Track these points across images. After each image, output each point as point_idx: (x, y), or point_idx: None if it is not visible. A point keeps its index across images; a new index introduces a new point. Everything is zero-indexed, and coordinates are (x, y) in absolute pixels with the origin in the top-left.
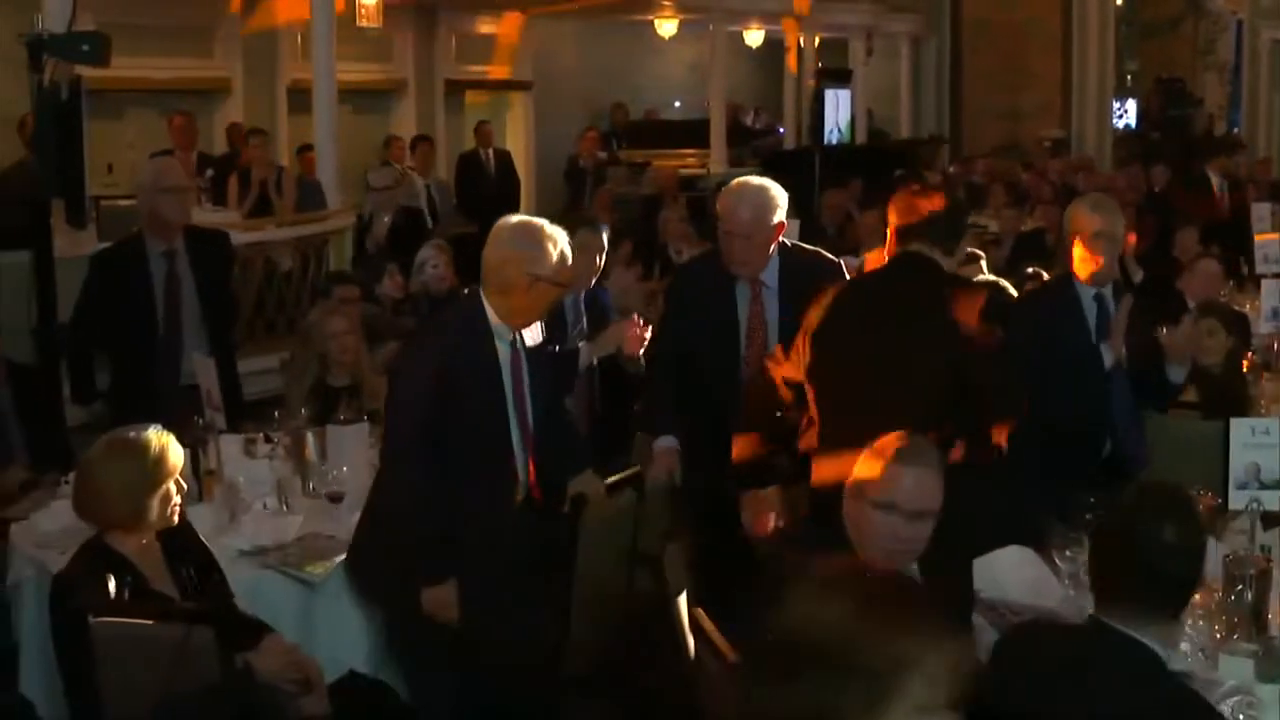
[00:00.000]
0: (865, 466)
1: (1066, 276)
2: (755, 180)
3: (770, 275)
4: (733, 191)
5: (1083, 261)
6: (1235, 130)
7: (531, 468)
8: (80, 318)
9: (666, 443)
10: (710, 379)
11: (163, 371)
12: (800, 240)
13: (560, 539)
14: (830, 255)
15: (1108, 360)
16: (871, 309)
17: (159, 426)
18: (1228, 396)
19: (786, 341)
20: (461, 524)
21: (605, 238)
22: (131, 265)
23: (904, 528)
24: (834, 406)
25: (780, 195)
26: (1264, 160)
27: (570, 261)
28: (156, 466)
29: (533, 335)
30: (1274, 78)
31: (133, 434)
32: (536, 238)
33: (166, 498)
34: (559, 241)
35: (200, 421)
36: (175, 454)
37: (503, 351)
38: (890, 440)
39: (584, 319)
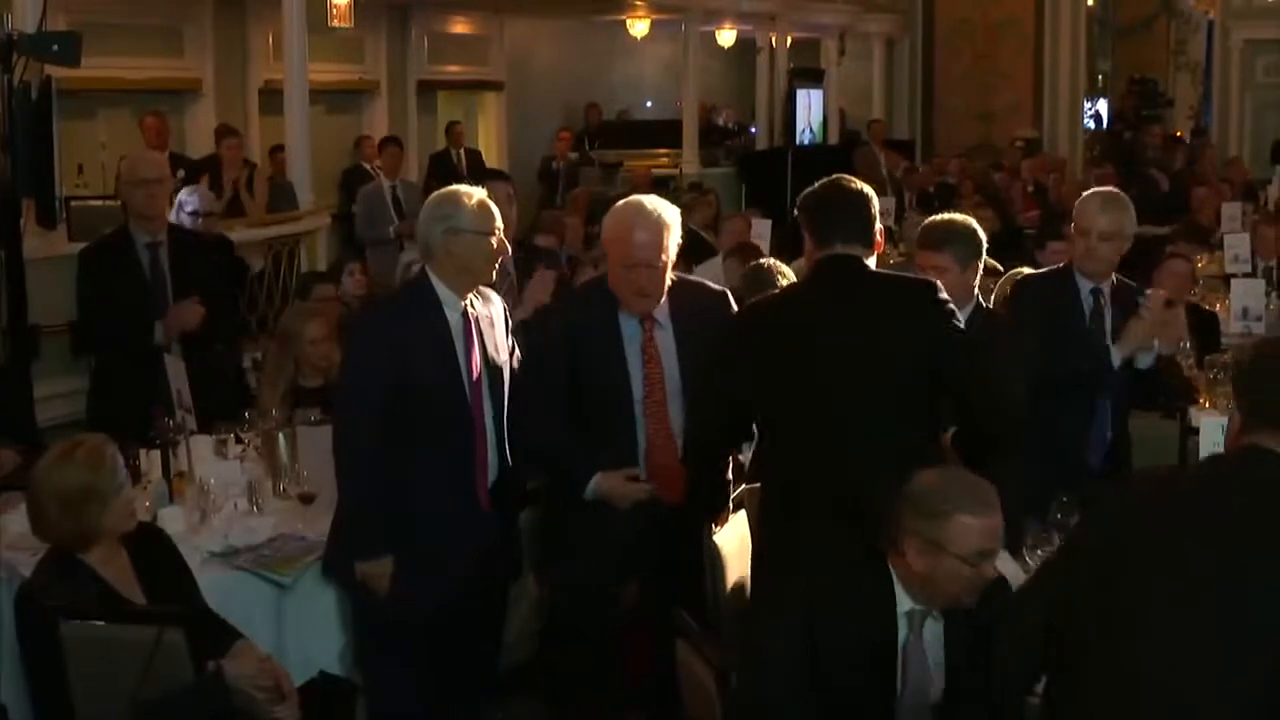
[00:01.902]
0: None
1: (1066, 268)
2: (649, 200)
3: (662, 311)
4: (628, 214)
5: (1084, 257)
6: (1206, 128)
7: (485, 453)
8: (84, 316)
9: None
10: (595, 432)
11: (140, 366)
12: (773, 240)
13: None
14: (714, 286)
15: (1116, 359)
16: (818, 316)
17: (104, 436)
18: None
19: (685, 376)
20: (415, 503)
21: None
22: (118, 256)
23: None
24: (801, 423)
25: (676, 214)
26: (1234, 160)
27: (492, 211)
28: (97, 482)
29: (486, 306)
30: (1245, 78)
31: (74, 450)
32: (448, 195)
33: (120, 509)
34: (474, 195)
35: (171, 422)
36: (115, 464)
37: (453, 321)
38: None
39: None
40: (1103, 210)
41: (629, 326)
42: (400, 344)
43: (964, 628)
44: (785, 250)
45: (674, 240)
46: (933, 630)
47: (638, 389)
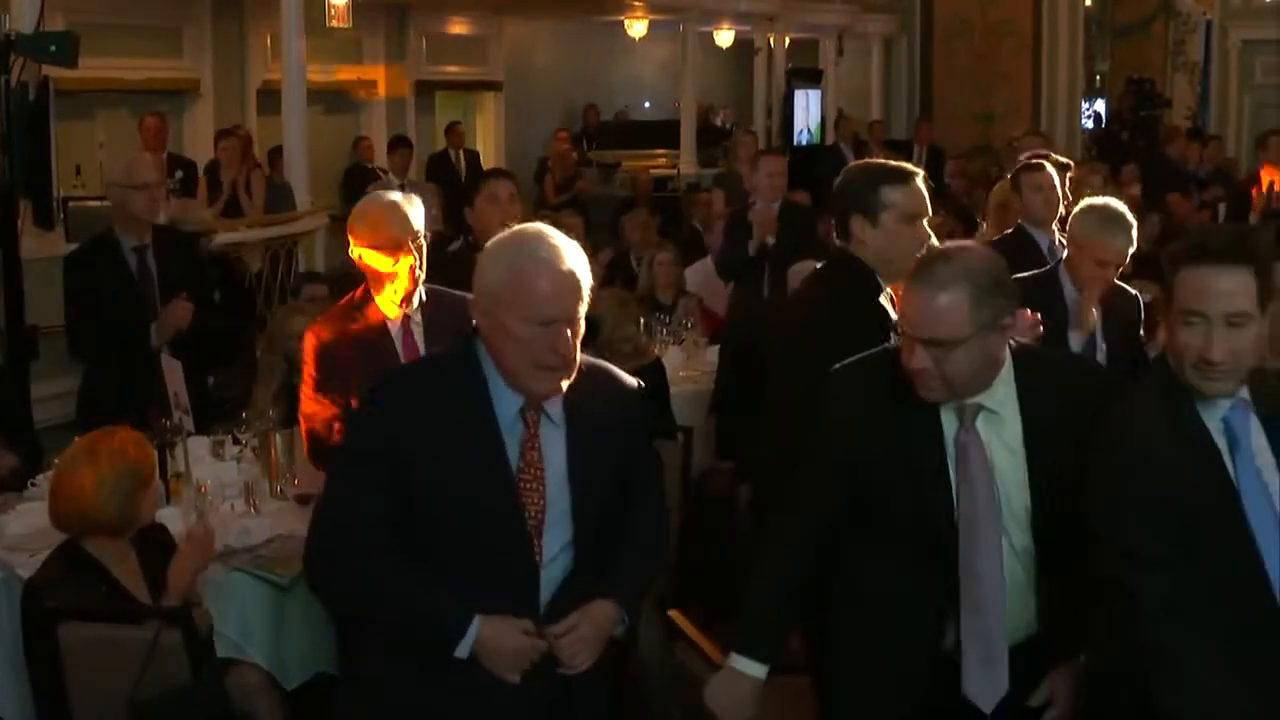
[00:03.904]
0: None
1: (1052, 271)
2: (558, 237)
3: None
4: (538, 258)
5: (1078, 270)
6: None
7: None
8: (74, 322)
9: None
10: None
11: (136, 368)
12: None
13: None
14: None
15: (1072, 343)
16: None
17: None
18: None
19: (582, 498)
20: None
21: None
22: (106, 261)
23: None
24: None
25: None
26: (1231, 160)
27: (386, 220)
28: (142, 467)
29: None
30: (1243, 78)
31: (116, 435)
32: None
33: (152, 498)
34: (363, 207)
35: (168, 423)
36: (153, 453)
37: (394, 330)
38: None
39: None
40: (1100, 234)
41: (506, 413)
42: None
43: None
44: None
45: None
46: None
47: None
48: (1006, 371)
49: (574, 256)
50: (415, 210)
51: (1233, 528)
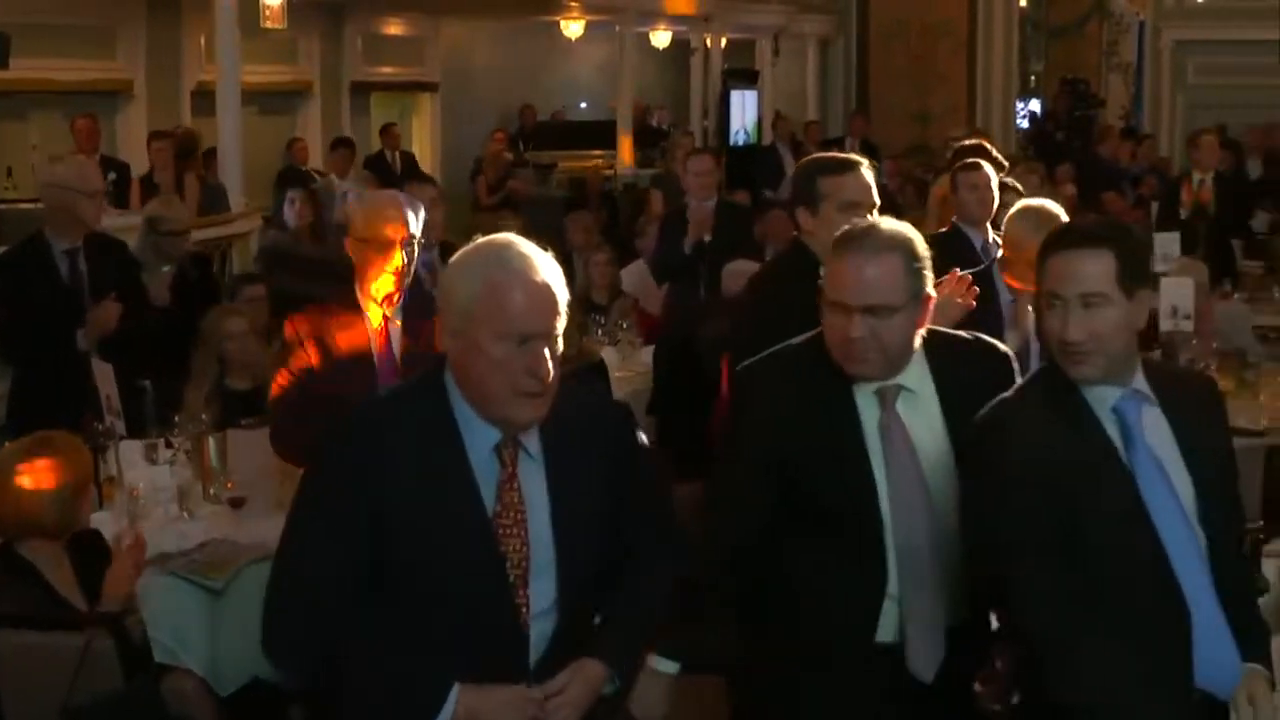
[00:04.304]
0: None
1: (985, 272)
2: (529, 246)
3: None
4: (511, 268)
5: (1013, 270)
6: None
7: None
8: (3, 325)
9: None
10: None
11: (65, 371)
12: None
13: None
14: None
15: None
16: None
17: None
18: None
19: (569, 542)
20: None
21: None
22: (37, 264)
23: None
24: None
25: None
26: (1164, 160)
27: (383, 218)
28: (81, 470)
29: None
30: (1175, 78)
31: (56, 438)
32: (350, 207)
33: (89, 502)
34: (365, 200)
35: (100, 427)
36: (89, 456)
37: (372, 326)
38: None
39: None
40: (1036, 234)
41: (480, 450)
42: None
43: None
44: None
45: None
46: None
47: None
48: (918, 351)
49: (548, 267)
50: (415, 212)
51: (1130, 517)
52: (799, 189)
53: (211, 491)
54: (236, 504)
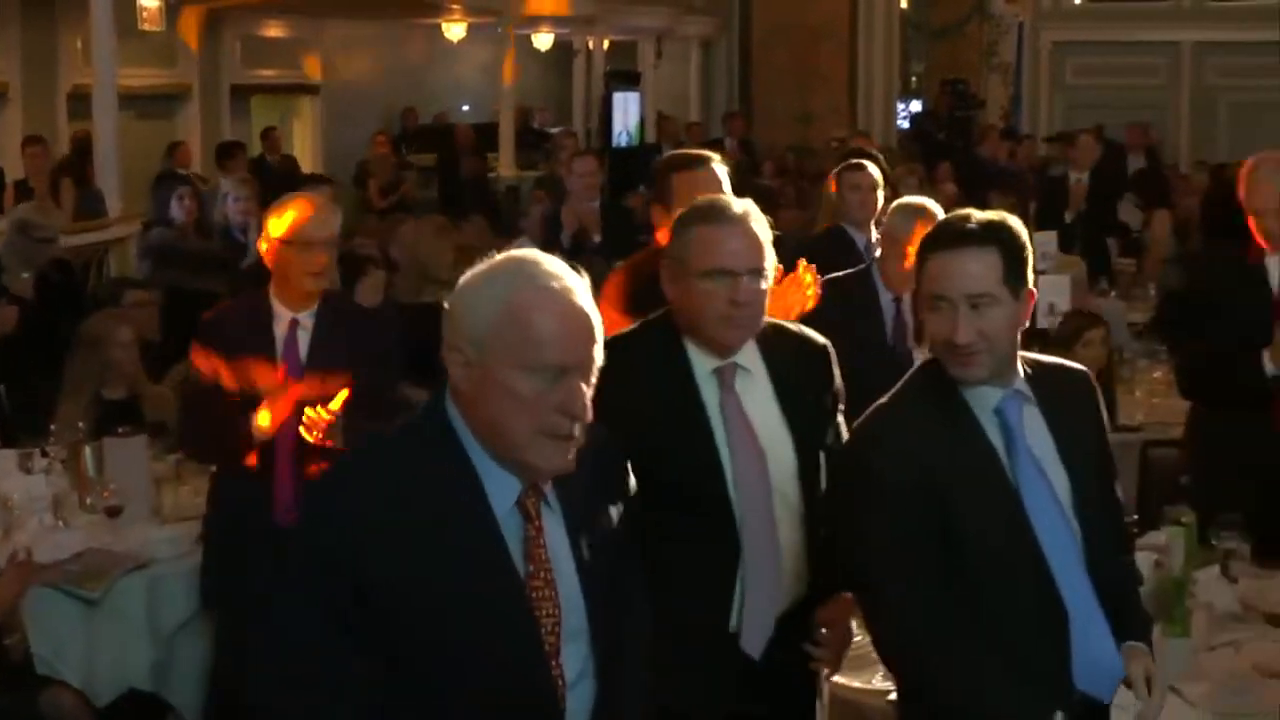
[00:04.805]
0: None
1: (865, 271)
2: (557, 263)
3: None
4: (541, 288)
5: (890, 266)
6: (1015, 128)
7: None
8: None
9: None
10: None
11: None
12: None
13: None
14: None
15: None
16: None
17: None
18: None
19: (598, 601)
20: None
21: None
22: None
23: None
24: None
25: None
26: (1043, 158)
27: (312, 219)
28: None
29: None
30: (1054, 79)
31: None
32: (273, 209)
33: None
34: (291, 205)
35: None
36: None
37: (278, 333)
38: None
39: None
40: (910, 227)
41: (502, 503)
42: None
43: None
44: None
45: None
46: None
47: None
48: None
49: (581, 287)
50: (334, 215)
51: (1010, 522)
52: (656, 187)
53: (88, 501)
54: (113, 513)
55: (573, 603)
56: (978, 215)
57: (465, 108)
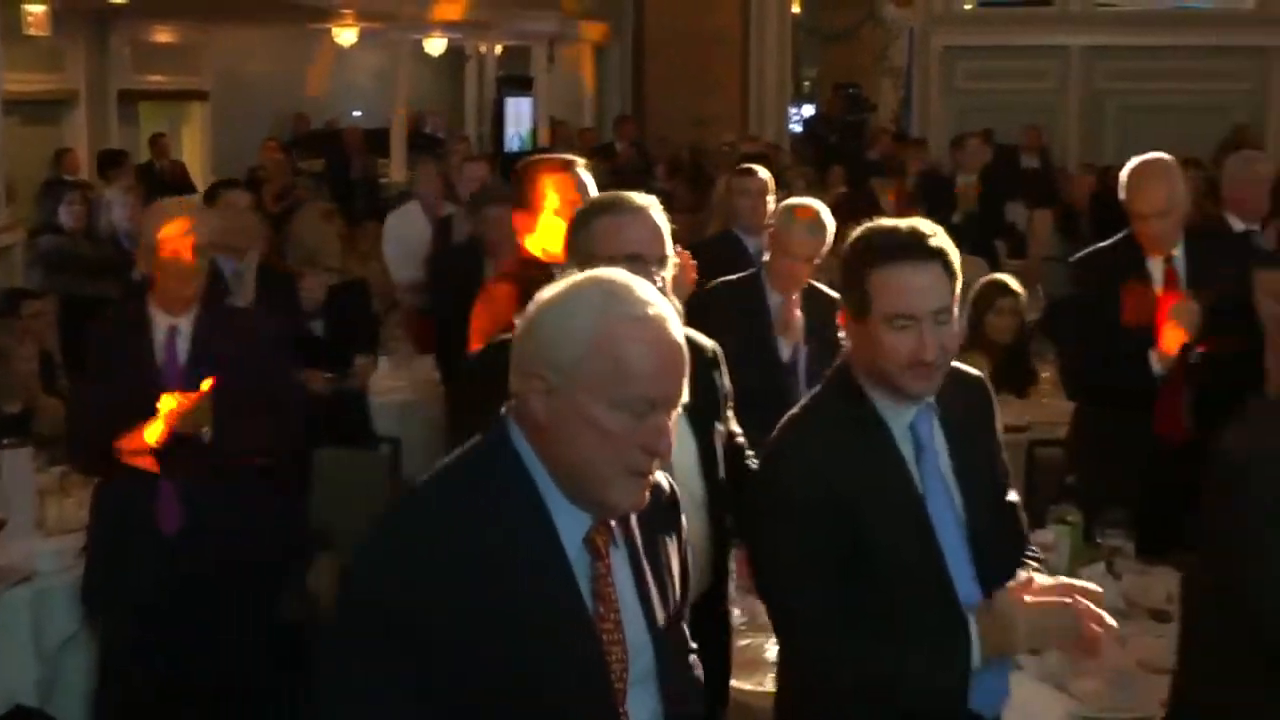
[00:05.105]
0: None
1: (755, 275)
2: (649, 288)
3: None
4: (636, 317)
5: (776, 266)
6: (907, 132)
7: None
8: None
9: None
10: None
11: None
12: None
13: None
14: None
15: (783, 352)
16: None
17: None
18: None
19: (663, 643)
20: None
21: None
22: None
23: None
24: None
25: None
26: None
27: (183, 225)
28: None
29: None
30: (945, 83)
31: None
32: (146, 216)
33: None
34: (162, 211)
35: None
36: None
37: (158, 340)
38: None
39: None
40: (811, 235)
41: (572, 540)
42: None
43: None
44: None
45: None
46: None
47: None
48: None
49: (672, 315)
50: (206, 222)
51: (919, 538)
52: (522, 194)
53: None
54: None
55: (640, 645)
56: (922, 226)
57: (357, 113)
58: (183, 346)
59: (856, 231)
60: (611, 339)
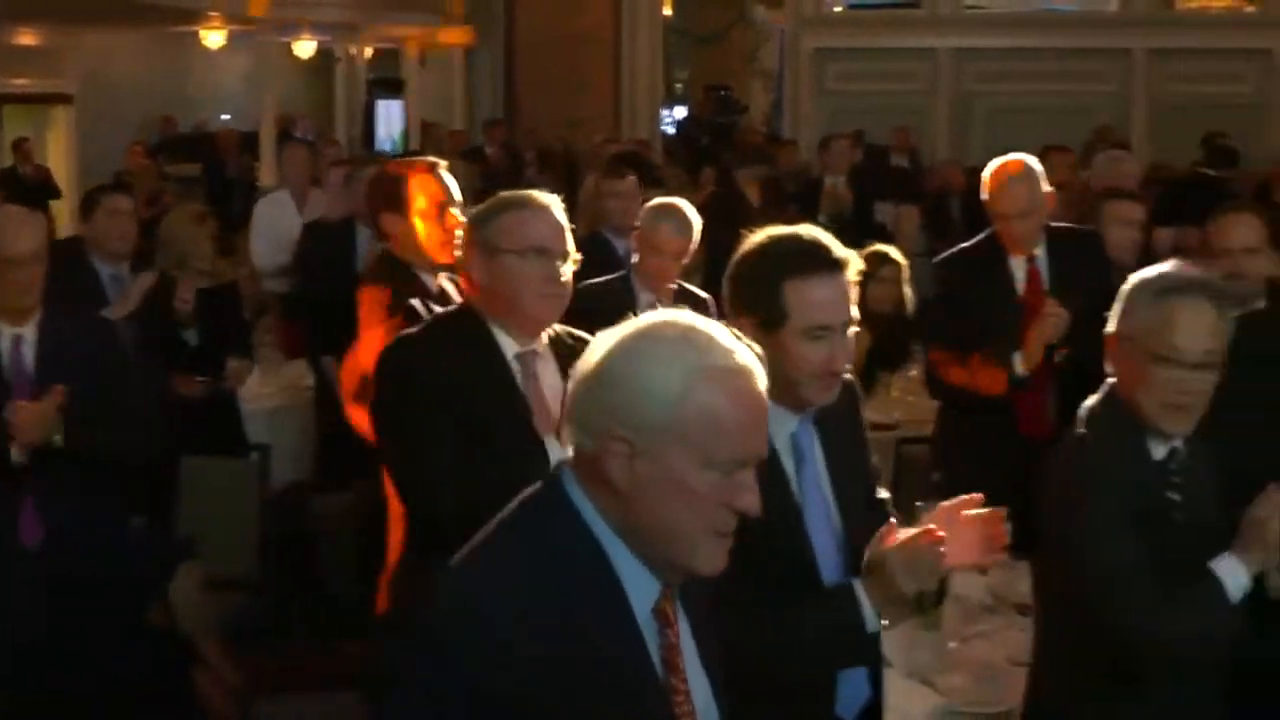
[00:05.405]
0: None
1: (625, 278)
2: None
3: None
4: (732, 369)
5: (644, 266)
6: (778, 133)
7: None
8: None
9: None
10: None
11: None
12: None
13: None
14: None
15: None
16: None
17: None
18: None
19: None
20: None
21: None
22: None
23: None
24: None
25: None
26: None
27: (13, 233)
28: None
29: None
30: (816, 84)
31: None
32: None
33: None
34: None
35: None
36: None
37: (3, 350)
38: None
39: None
40: (677, 233)
41: (643, 608)
42: None
43: None
44: None
45: None
46: None
47: None
48: None
49: (756, 362)
50: (37, 229)
51: (793, 544)
52: (384, 195)
53: None
54: None
55: (708, 712)
56: (822, 235)
57: (225, 116)
58: (29, 355)
59: (757, 240)
60: (704, 395)
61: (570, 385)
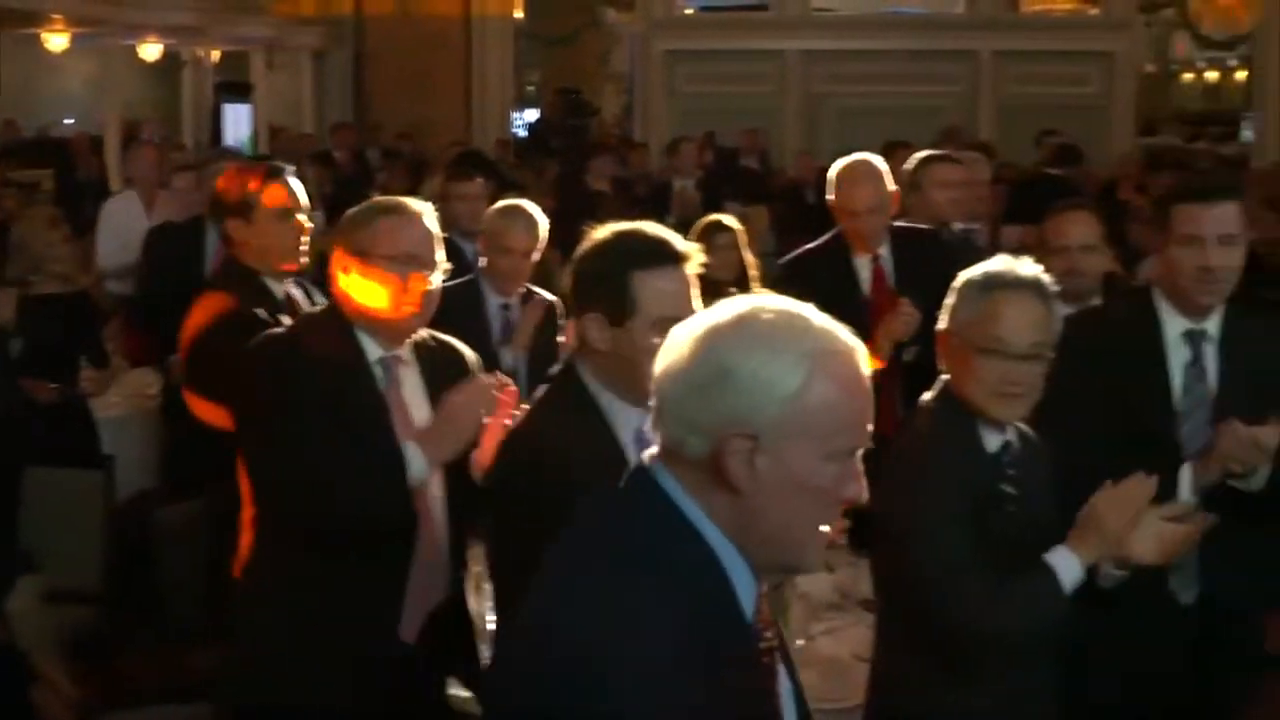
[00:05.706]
0: None
1: (473, 281)
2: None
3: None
4: (839, 351)
5: (492, 267)
6: (630, 136)
7: None
8: None
9: None
10: None
11: None
12: None
13: None
14: None
15: (505, 361)
16: None
17: None
18: None
19: None
20: None
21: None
22: None
23: None
24: None
25: None
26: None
27: None
28: None
29: None
30: (666, 87)
31: None
32: None
33: None
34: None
35: None
36: None
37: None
38: None
39: None
40: (527, 231)
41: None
42: None
43: None
44: None
45: None
46: None
47: None
48: None
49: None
50: None
51: None
52: (232, 202)
53: None
54: None
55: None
56: (665, 231)
57: (68, 120)
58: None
59: (601, 235)
60: (822, 383)
61: (663, 387)
